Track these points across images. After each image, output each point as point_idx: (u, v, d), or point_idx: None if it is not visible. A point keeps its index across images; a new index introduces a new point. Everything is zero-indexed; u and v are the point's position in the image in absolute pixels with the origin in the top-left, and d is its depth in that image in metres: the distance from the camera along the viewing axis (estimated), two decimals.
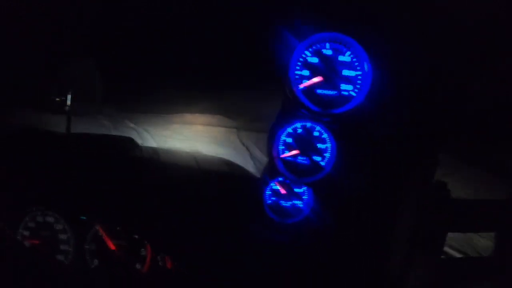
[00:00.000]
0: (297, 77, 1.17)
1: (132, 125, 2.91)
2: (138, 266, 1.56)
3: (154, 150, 1.92)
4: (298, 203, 1.50)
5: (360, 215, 1.43)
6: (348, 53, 1.16)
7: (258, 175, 1.60)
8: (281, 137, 1.33)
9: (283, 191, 1.48)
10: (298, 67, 1.16)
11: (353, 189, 1.36)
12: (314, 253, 1.47)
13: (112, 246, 1.55)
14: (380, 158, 1.28)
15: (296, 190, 1.50)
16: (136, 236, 1.59)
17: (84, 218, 1.56)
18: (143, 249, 1.58)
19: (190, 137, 2.84)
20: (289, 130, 1.33)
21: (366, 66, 1.12)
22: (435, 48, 1.09)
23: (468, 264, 1.58)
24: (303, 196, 1.50)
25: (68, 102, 1.79)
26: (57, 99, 1.84)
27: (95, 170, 1.60)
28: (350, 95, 1.17)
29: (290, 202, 1.50)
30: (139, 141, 1.91)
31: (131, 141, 1.85)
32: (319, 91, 1.16)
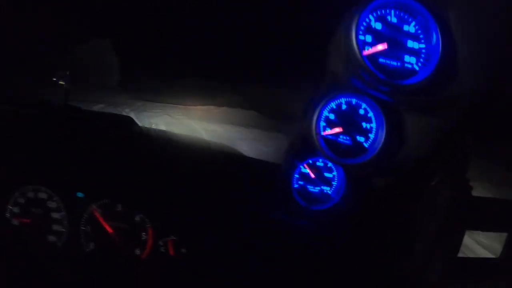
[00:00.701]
0: (359, 42, 1.04)
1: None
2: (137, 251, 1.39)
3: (158, 131, 1.71)
4: (327, 189, 1.38)
5: (386, 206, 1.34)
6: (413, 23, 1.06)
7: None
8: (324, 112, 1.20)
9: (312, 175, 1.35)
10: (361, 32, 1.03)
11: (390, 176, 1.26)
12: (336, 244, 1.36)
13: (110, 229, 1.36)
14: (425, 147, 1.20)
15: (326, 175, 1.38)
16: (138, 219, 1.37)
17: (81, 195, 1.34)
18: (144, 233, 1.38)
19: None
20: (333, 105, 1.20)
21: (434, 38, 1.03)
22: None
23: (481, 263, 1.57)
24: (333, 181, 1.38)
25: (66, 79, 1.61)
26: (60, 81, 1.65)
27: (94, 145, 1.39)
28: (413, 69, 1.07)
29: (319, 188, 1.37)
30: None
31: (131, 120, 1.63)
32: (381, 60, 1.04)
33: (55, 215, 1.39)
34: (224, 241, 1.37)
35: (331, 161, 1.25)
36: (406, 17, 1.06)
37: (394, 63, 1.06)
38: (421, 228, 1.33)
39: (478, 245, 2.06)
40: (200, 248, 1.37)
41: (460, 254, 1.32)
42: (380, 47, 1.03)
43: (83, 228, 1.38)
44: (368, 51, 1.03)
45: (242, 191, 1.37)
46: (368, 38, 1.04)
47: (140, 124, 1.57)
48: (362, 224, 1.35)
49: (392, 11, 1.05)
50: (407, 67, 1.06)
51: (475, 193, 1.27)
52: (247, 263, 1.39)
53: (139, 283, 1.43)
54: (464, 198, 1.31)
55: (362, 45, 1.03)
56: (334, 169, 1.37)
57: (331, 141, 1.21)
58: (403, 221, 1.34)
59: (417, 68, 1.07)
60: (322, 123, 1.20)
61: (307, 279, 1.39)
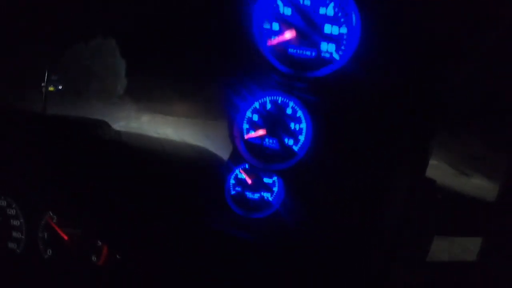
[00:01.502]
0: (264, 32, 0.89)
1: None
2: (93, 258, 1.39)
3: (123, 134, 1.69)
4: (267, 195, 1.25)
5: (339, 212, 1.19)
6: (332, 4, 0.89)
7: None
8: (246, 113, 1.07)
9: (249, 181, 1.23)
10: (266, 20, 0.89)
11: (330, 180, 1.11)
12: (283, 254, 1.23)
13: (65, 236, 1.37)
14: (364, 144, 1.03)
15: (266, 180, 1.24)
16: (92, 225, 1.36)
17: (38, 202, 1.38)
18: (99, 240, 1.38)
19: None
20: (256, 105, 1.06)
21: (354, 20, 0.85)
22: (440, 14, 0.83)
23: (452, 268, 1.38)
24: (273, 187, 1.24)
25: (45, 82, 1.72)
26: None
27: (53, 153, 1.40)
28: (332, 58, 0.90)
29: (258, 194, 1.25)
30: None
31: (104, 124, 1.62)
32: (291, 50, 0.89)
33: (14, 222, 1.42)
34: (162, 249, 1.32)
35: (254, 168, 1.12)
36: None
37: (308, 53, 0.90)
38: (381, 235, 1.17)
39: None
40: (135, 255, 1.32)
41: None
42: (288, 34, 0.87)
43: (40, 235, 1.39)
44: (273, 40, 0.88)
45: (181, 198, 1.30)
46: (275, 26, 0.89)
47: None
48: (312, 232, 1.21)
49: None
50: (324, 56, 0.90)
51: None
52: (189, 274, 1.32)
53: None
54: (431, 200, 1.15)
55: (268, 35, 0.88)
56: (274, 174, 1.23)
57: (255, 146, 1.08)
58: (359, 227, 1.18)
59: (337, 57, 0.89)
60: (245, 125, 1.08)
61: None
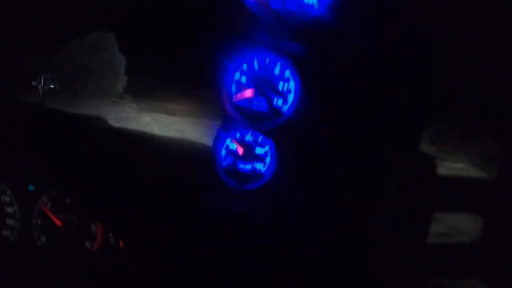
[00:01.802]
0: None
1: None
2: (87, 244, 1.36)
3: (121, 129, 1.71)
4: (259, 166, 1.22)
5: (333, 183, 1.15)
6: None
7: None
8: (234, 75, 1.06)
9: (240, 151, 1.20)
10: None
11: (321, 143, 1.08)
12: (278, 228, 1.18)
13: (58, 222, 1.35)
14: (354, 107, 1.01)
15: (258, 151, 1.22)
16: (86, 211, 1.35)
17: (32, 188, 1.37)
18: (93, 226, 1.36)
19: None
20: (244, 66, 1.06)
21: None
22: None
23: (453, 248, 1.30)
24: (265, 157, 1.21)
25: (42, 82, 1.71)
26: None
27: (48, 141, 1.42)
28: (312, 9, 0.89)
29: (250, 165, 1.22)
30: None
31: (97, 119, 1.64)
32: (275, 5, 0.89)
33: (8, 210, 1.41)
34: (160, 230, 1.29)
35: (240, 128, 1.10)
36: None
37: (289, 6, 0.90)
38: (380, 209, 1.13)
39: None
40: (143, 240, 1.30)
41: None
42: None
43: (34, 221, 1.38)
44: None
45: (174, 177, 1.29)
46: None
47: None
48: (306, 204, 1.17)
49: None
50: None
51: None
52: (184, 253, 1.28)
53: (91, 275, 1.41)
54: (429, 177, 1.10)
55: None
56: (266, 143, 1.21)
57: (244, 108, 1.07)
58: (355, 200, 1.14)
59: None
60: (234, 89, 1.07)
61: (247, 268, 1.23)
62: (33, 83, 1.78)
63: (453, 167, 1.21)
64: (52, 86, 1.76)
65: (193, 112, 2.10)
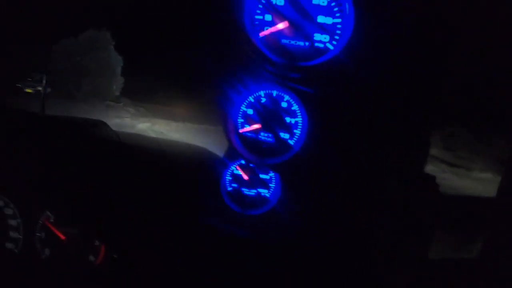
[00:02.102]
0: (256, 23, 0.88)
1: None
2: (91, 257, 1.36)
3: (121, 133, 1.67)
4: (264, 191, 1.23)
5: (336, 208, 1.16)
6: None
7: None
8: (241, 107, 1.05)
9: (245, 177, 1.21)
10: (258, 11, 0.87)
11: (327, 175, 1.08)
12: (280, 252, 1.21)
13: (62, 236, 1.34)
14: (360, 138, 1.01)
15: (262, 176, 1.23)
16: (90, 225, 1.35)
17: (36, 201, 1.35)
18: (97, 239, 1.35)
19: None
20: (251, 99, 1.05)
21: (347, 8, 0.83)
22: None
23: (454, 265, 1.34)
24: (270, 183, 1.22)
25: (43, 84, 1.65)
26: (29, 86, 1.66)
27: (51, 152, 1.37)
28: (326, 48, 0.88)
29: (255, 191, 1.23)
30: None
31: (102, 124, 1.61)
32: (284, 41, 0.87)
33: (12, 222, 1.40)
34: (160, 248, 1.30)
35: (249, 161, 1.10)
36: None
37: (301, 43, 0.88)
38: (381, 230, 1.15)
39: None
40: (133, 254, 1.31)
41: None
42: (281, 25, 0.85)
43: (38, 234, 1.38)
44: (266, 31, 0.86)
45: (179, 196, 1.28)
46: (268, 17, 0.88)
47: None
48: (310, 229, 1.19)
49: None
50: (318, 46, 0.88)
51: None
52: (186, 269, 1.30)
53: None
54: (430, 195, 1.12)
55: (260, 26, 0.87)
56: (270, 169, 1.21)
57: (250, 140, 1.06)
58: (357, 223, 1.16)
59: (331, 47, 0.88)
60: (240, 119, 1.06)
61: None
62: (17, 85, 1.72)
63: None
64: (40, 89, 1.70)
65: (193, 117, 2.07)
